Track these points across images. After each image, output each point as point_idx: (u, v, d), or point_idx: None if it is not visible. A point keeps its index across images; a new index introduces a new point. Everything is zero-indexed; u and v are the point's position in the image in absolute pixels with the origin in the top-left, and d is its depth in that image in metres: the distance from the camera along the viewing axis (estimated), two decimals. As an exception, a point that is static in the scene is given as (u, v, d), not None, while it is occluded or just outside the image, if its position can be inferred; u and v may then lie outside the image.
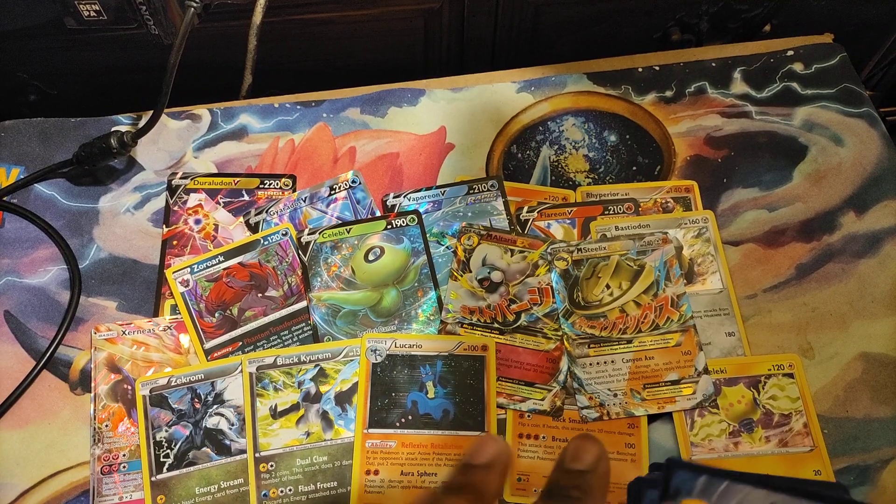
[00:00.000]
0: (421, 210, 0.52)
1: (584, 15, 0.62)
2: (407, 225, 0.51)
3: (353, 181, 0.53)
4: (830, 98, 0.57)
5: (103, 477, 0.44)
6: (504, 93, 0.58)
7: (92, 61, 0.60)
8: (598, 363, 0.46)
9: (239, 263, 0.50)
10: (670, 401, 0.45)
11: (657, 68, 0.59)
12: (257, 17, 0.53)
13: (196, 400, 0.46)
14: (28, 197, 0.54)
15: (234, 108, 0.58)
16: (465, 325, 0.48)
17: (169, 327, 0.48)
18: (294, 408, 0.45)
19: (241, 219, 0.53)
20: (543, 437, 0.45)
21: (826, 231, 0.51)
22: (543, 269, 0.49)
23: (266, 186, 0.54)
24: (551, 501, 0.24)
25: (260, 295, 0.49)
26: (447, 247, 0.51)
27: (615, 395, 0.45)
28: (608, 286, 0.48)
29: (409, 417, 0.45)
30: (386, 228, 0.51)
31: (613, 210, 0.52)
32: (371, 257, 0.50)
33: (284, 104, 0.58)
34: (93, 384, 0.47)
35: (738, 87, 0.58)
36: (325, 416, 0.45)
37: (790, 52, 0.59)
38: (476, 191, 0.53)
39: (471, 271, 0.49)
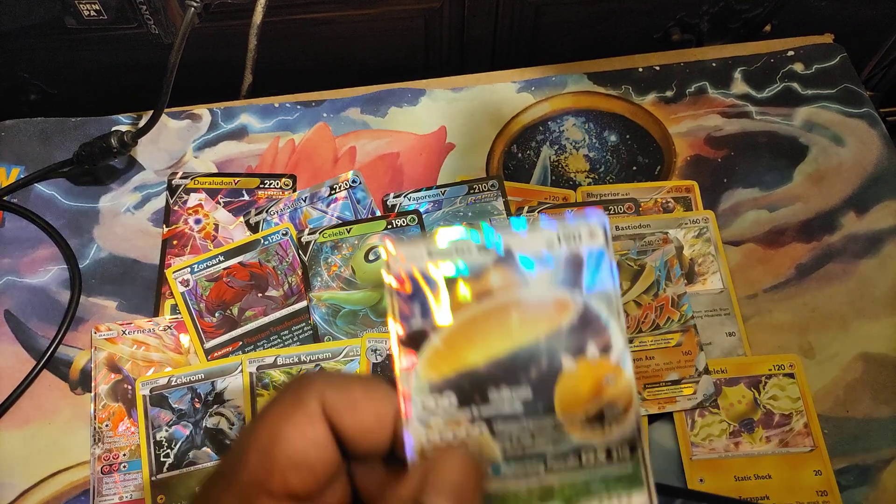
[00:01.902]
0: (421, 210, 0.52)
1: (585, 15, 0.62)
2: (407, 225, 0.51)
3: (354, 181, 0.53)
4: (831, 98, 0.57)
5: (103, 476, 0.44)
6: (504, 93, 0.58)
7: (92, 61, 0.60)
8: (598, 363, 0.46)
9: (239, 263, 0.50)
10: (671, 401, 0.45)
11: (657, 68, 0.59)
12: (258, 16, 0.53)
13: (196, 400, 0.46)
14: (28, 196, 0.54)
15: (235, 107, 0.58)
16: (465, 325, 0.48)
17: (169, 327, 0.48)
18: (294, 408, 0.45)
19: (242, 219, 0.53)
20: (544, 437, 0.45)
21: (826, 231, 0.51)
22: (544, 269, 0.49)
23: (266, 186, 0.54)
24: None
25: (260, 295, 0.49)
26: (447, 247, 0.51)
27: (615, 395, 0.45)
28: (608, 286, 0.48)
29: (410, 417, 0.45)
30: (386, 228, 0.51)
31: (614, 210, 0.52)
32: (371, 257, 0.50)
33: (285, 104, 0.58)
34: (93, 384, 0.47)
35: (738, 88, 0.58)
36: (325, 415, 0.45)
37: (790, 53, 0.59)
38: (476, 191, 0.53)
39: (471, 271, 0.49)
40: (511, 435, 0.22)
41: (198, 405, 0.46)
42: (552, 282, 0.22)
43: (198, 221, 0.52)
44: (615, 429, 0.22)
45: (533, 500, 0.22)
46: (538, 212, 0.52)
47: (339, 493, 0.22)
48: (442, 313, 0.22)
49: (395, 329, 0.22)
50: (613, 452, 0.22)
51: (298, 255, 0.50)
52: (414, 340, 0.22)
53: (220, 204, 0.53)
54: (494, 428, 0.22)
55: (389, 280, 0.22)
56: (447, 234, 0.22)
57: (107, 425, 0.45)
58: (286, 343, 0.48)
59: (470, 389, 0.22)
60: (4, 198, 0.54)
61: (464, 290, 0.22)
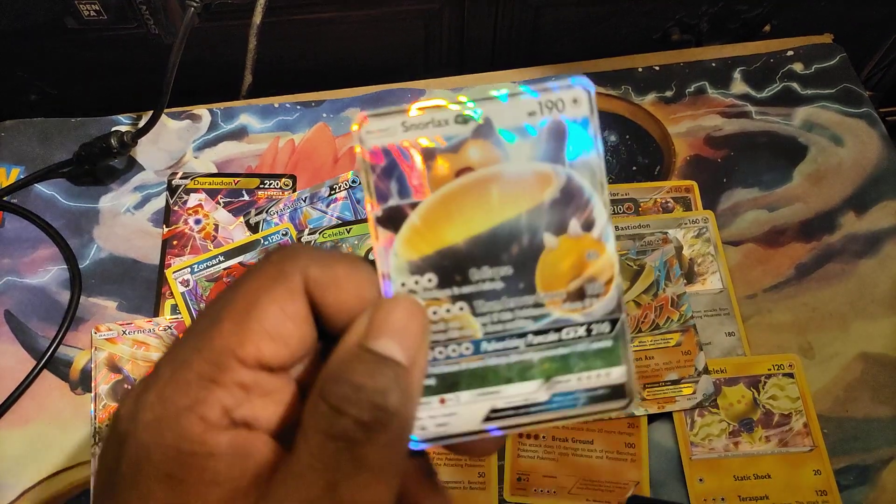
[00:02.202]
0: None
1: (584, 15, 0.62)
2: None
3: (354, 181, 0.53)
4: (830, 98, 0.57)
5: (103, 477, 0.44)
6: (504, 93, 0.58)
7: (92, 61, 0.60)
8: (598, 363, 0.46)
9: (239, 263, 0.50)
10: (670, 400, 0.45)
11: (657, 68, 0.59)
12: (257, 16, 0.53)
13: (196, 400, 0.46)
14: (28, 197, 0.54)
15: (235, 108, 0.58)
16: (465, 325, 0.48)
17: (169, 327, 0.48)
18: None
19: (242, 219, 0.53)
20: (543, 437, 0.45)
21: (826, 231, 0.51)
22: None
23: (266, 186, 0.54)
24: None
25: (260, 295, 0.49)
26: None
27: (615, 395, 0.45)
28: (608, 286, 0.48)
29: (409, 417, 0.45)
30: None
31: (613, 210, 0.52)
32: (371, 257, 0.50)
33: (284, 104, 0.58)
34: (93, 384, 0.47)
35: (737, 87, 0.58)
36: (325, 415, 0.45)
37: (790, 53, 0.59)
38: (476, 191, 0.53)
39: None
40: (492, 312, 0.22)
41: (198, 405, 0.45)
42: (534, 154, 0.22)
43: (198, 221, 0.52)
44: (596, 304, 0.22)
45: (513, 376, 0.22)
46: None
47: (311, 368, 0.22)
48: (419, 190, 0.21)
49: (372, 208, 0.21)
50: (594, 328, 0.22)
51: (298, 255, 0.50)
52: (391, 219, 0.21)
53: (220, 204, 0.53)
54: (475, 306, 0.22)
55: (363, 154, 0.21)
56: (423, 105, 0.21)
57: (107, 425, 0.45)
58: (286, 343, 0.48)
59: (450, 268, 0.22)
60: (4, 198, 0.54)
61: (441, 165, 0.21)
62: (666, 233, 0.50)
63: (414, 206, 0.21)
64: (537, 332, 0.22)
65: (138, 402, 0.19)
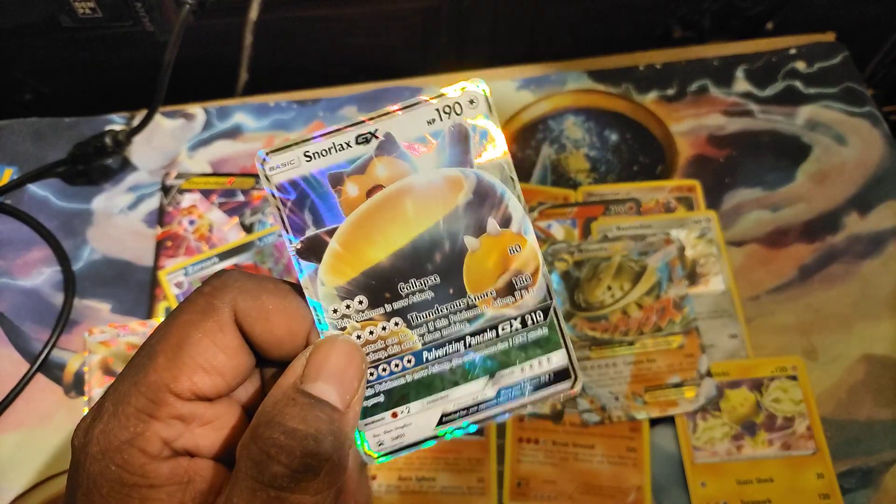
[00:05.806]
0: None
1: (585, 12, 0.62)
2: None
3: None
4: (833, 97, 0.56)
5: (98, 482, 0.44)
6: (503, 91, 0.58)
7: (87, 59, 0.59)
8: (599, 366, 0.45)
9: (234, 265, 0.50)
10: (673, 404, 0.44)
11: (659, 66, 0.58)
12: (253, 13, 0.52)
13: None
14: (22, 197, 0.53)
15: (229, 106, 0.57)
16: (464, 327, 0.47)
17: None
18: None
19: (236, 219, 0.52)
20: (544, 442, 0.44)
21: (829, 232, 0.51)
22: (544, 271, 0.48)
23: (261, 186, 0.53)
24: None
25: (256, 296, 0.49)
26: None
27: (617, 399, 0.44)
28: (609, 287, 0.47)
29: (408, 421, 0.44)
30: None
31: (615, 210, 0.51)
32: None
33: (280, 103, 0.57)
34: (87, 387, 0.46)
35: (740, 86, 0.57)
36: (322, 419, 0.45)
37: (793, 51, 0.58)
38: (475, 191, 0.52)
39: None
40: (427, 322, 0.22)
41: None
42: (440, 160, 0.22)
43: (192, 222, 0.52)
44: (526, 296, 0.23)
45: (458, 379, 0.22)
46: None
47: (252, 392, 0.22)
48: (334, 215, 0.22)
49: (290, 243, 0.22)
50: (528, 318, 0.23)
51: (295, 256, 0.50)
52: (311, 250, 0.22)
53: (214, 204, 0.52)
54: (410, 319, 0.22)
55: (270, 191, 0.22)
56: (322, 132, 0.22)
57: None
58: (283, 345, 0.47)
59: (378, 287, 0.22)
60: (-3, 198, 0.53)
61: (351, 188, 0.22)
62: (668, 233, 0.49)
63: (331, 232, 0.22)
64: (474, 333, 0.23)
65: (87, 434, 0.19)
